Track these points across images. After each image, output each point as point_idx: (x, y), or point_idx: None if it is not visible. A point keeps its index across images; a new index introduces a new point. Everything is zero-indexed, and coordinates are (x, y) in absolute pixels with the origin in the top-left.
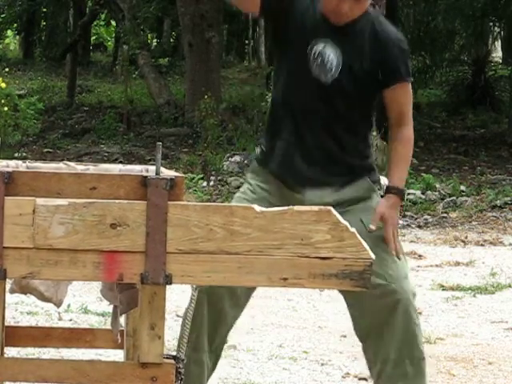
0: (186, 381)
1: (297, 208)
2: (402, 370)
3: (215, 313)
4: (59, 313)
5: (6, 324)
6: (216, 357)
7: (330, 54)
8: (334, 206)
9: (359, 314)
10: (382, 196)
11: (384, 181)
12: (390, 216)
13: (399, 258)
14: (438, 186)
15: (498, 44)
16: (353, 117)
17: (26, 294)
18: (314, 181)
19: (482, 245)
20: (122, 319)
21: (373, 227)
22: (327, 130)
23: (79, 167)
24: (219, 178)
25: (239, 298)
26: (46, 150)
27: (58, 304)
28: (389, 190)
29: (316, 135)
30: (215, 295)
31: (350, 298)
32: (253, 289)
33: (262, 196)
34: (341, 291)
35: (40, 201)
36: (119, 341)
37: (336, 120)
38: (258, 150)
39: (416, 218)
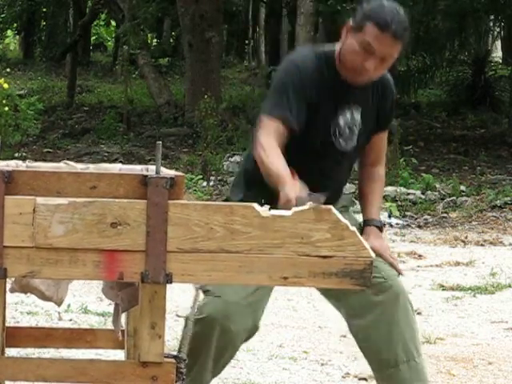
0: None
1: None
2: (412, 369)
3: (225, 340)
4: (59, 313)
5: (6, 324)
6: (220, 371)
7: (357, 119)
8: None
9: (357, 315)
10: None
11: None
12: (380, 245)
13: (402, 275)
14: (438, 185)
15: (498, 44)
16: (354, 160)
17: (26, 293)
18: None
19: (482, 245)
20: (123, 319)
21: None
22: (332, 177)
23: (79, 166)
24: (219, 178)
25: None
26: (46, 150)
27: (59, 303)
28: (368, 222)
29: (320, 183)
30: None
31: (344, 305)
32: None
33: None
34: (328, 297)
35: (40, 200)
36: (121, 338)
37: (342, 168)
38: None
39: (416, 218)
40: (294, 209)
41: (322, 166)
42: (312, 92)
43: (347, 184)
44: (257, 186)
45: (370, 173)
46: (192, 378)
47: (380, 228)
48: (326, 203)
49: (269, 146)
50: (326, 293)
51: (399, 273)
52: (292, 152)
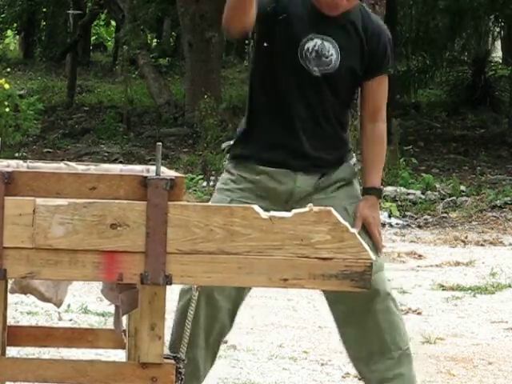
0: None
1: (297, 210)
2: (387, 361)
3: (211, 308)
4: (59, 313)
5: (6, 324)
6: (213, 353)
7: (329, 49)
8: (319, 191)
9: (336, 300)
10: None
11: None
12: (373, 217)
13: (379, 256)
14: (438, 185)
15: (498, 44)
16: (341, 108)
17: (26, 294)
18: (305, 167)
19: (482, 245)
20: (124, 319)
21: (356, 231)
22: (317, 122)
23: (80, 167)
24: (219, 177)
25: (234, 295)
26: (46, 150)
27: (59, 304)
28: (367, 190)
29: (306, 128)
30: (213, 297)
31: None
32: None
33: (246, 186)
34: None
35: (40, 201)
36: (124, 340)
37: (326, 112)
38: (236, 143)
39: (416, 218)
40: (295, 211)
41: (303, 93)
42: (288, 8)
43: (349, 156)
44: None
45: (370, 131)
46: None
47: (378, 196)
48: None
49: None
50: None
51: (378, 252)
52: (270, 82)
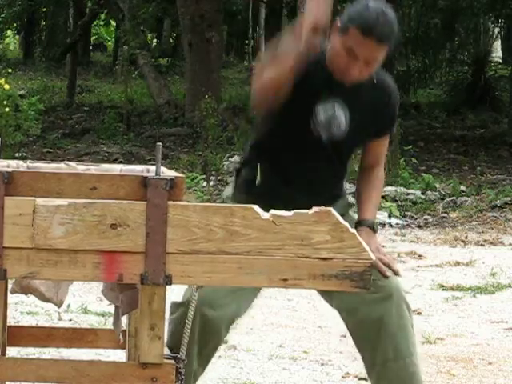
0: None
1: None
2: (400, 368)
3: (206, 325)
4: (59, 313)
5: (7, 324)
6: (205, 364)
7: (339, 115)
8: None
9: (349, 311)
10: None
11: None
12: (373, 246)
13: (399, 274)
14: (438, 185)
15: (498, 44)
16: (344, 163)
17: (26, 294)
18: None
19: (482, 245)
20: (124, 319)
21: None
22: (320, 177)
23: (80, 167)
24: (219, 178)
25: (230, 313)
26: (46, 150)
27: (59, 304)
28: (361, 223)
29: (308, 184)
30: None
31: (336, 299)
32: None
33: None
34: (324, 296)
35: (40, 201)
36: (121, 341)
37: (330, 169)
38: (236, 178)
39: (416, 218)
40: (295, 211)
41: (307, 158)
42: (304, 75)
43: (343, 193)
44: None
45: (367, 174)
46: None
47: (372, 228)
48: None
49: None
50: (323, 292)
51: (395, 273)
52: (276, 142)
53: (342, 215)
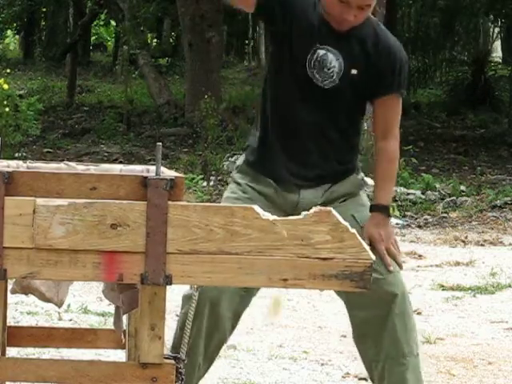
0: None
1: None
2: (402, 366)
3: (214, 318)
4: (59, 313)
5: (7, 324)
6: (210, 362)
7: (331, 61)
8: (326, 204)
9: (356, 307)
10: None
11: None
12: (378, 233)
13: (401, 268)
14: (438, 185)
15: (498, 44)
16: (347, 121)
17: (27, 294)
18: (310, 182)
19: (482, 245)
20: (124, 319)
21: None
22: (324, 134)
23: (80, 167)
24: (219, 178)
25: (239, 311)
26: (46, 150)
27: (59, 304)
28: (373, 208)
29: (313, 140)
30: (217, 306)
31: (350, 296)
32: (250, 300)
33: (253, 196)
34: (339, 293)
35: (40, 201)
36: (123, 341)
37: (333, 124)
38: (246, 153)
39: (416, 218)
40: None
41: (309, 104)
42: (298, 16)
43: (355, 167)
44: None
45: (380, 147)
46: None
47: (385, 213)
48: (314, 174)
49: None
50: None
51: (398, 265)
52: (279, 91)
53: (353, 195)
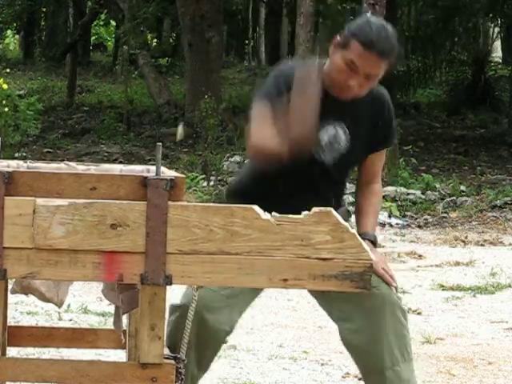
0: None
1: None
2: (398, 374)
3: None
4: (59, 313)
5: (7, 324)
6: (205, 367)
7: (341, 135)
8: None
9: (346, 319)
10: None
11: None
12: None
13: (396, 288)
14: (438, 186)
15: (498, 44)
16: (346, 179)
17: (27, 294)
18: None
19: (482, 245)
20: (124, 319)
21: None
22: (323, 195)
23: (80, 167)
24: (219, 177)
25: (234, 320)
26: (46, 150)
27: (59, 304)
28: (363, 236)
29: (311, 199)
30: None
31: (335, 309)
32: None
33: None
34: (318, 300)
35: (40, 201)
36: (123, 341)
37: (332, 186)
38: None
39: (416, 218)
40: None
41: (304, 179)
42: None
43: (343, 203)
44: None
45: (366, 189)
46: None
47: (373, 242)
48: None
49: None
50: (317, 296)
51: (390, 285)
52: (275, 169)
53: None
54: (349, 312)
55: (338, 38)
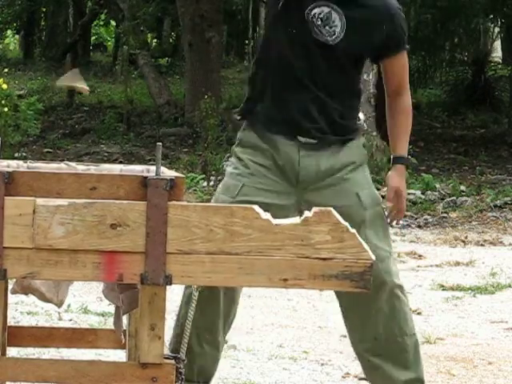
0: (199, 360)
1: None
2: (394, 345)
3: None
4: (59, 313)
5: (7, 324)
6: (226, 333)
7: (334, 18)
8: (331, 174)
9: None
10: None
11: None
12: (403, 187)
13: (392, 226)
14: (438, 186)
15: (498, 44)
16: (348, 80)
17: (27, 294)
18: (312, 139)
19: (482, 245)
20: (124, 319)
21: (390, 204)
22: (325, 87)
23: (80, 167)
24: (219, 178)
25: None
26: (46, 150)
27: (59, 305)
28: (396, 160)
29: (313, 93)
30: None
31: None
32: None
33: (255, 170)
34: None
35: (40, 201)
36: (123, 341)
37: (333, 80)
38: (244, 121)
39: (416, 218)
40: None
41: (306, 57)
42: None
43: (357, 129)
44: None
45: (393, 103)
46: (208, 341)
47: (406, 165)
48: (314, 125)
49: None
50: None
51: (394, 218)
52: (275, 42)
53: (357, 166)
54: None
55: None
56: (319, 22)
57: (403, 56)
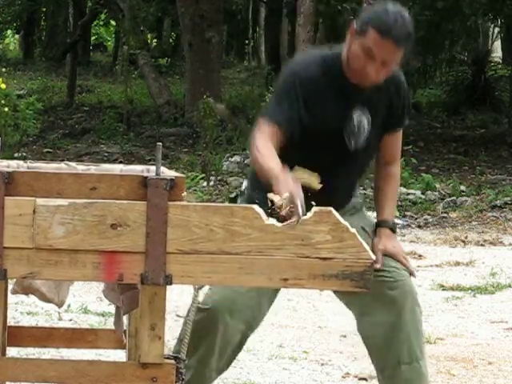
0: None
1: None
2: (414, 371)
3: (227, 333)
4: (59, 313)
5: (7, 324)
6: (221, 372)
7: (364, 121)
8: None
9: (366, 312)
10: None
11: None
12: (393, 246)
13: (414, 276)
14: (438, 186)
15: (498, 44)
16: (369, 161)
17: (27, 294)
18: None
19: (482, 245)
20: (125, 319)
21: (378, 266)
22: (344, 185)
23: (80, 167)
24: (219, 178)
25: (254, 325)
26: (45, 150)
27: (60, 305)
28: (382, 224)
29: (341, 189)
30: (231, 326)
31: (352, 301)
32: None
33: None
34: (341, 298)
35: (40, 201)
36: (124, 341)
37: (357, 171)
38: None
39: (416, 218)
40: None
41: (332, 165)
42: (316, 96)
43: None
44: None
45: (385, 172)
46: (194, 373)
47: (393, 229)
48: (336, 208)
49: (263, 146)
50: (340, 293)
51: (411, 273)
52: (303, 152)
53: (358, 209)
54: (369, 304)
55: (355, 25)
56: (355, 130)
57: (401, 130)
